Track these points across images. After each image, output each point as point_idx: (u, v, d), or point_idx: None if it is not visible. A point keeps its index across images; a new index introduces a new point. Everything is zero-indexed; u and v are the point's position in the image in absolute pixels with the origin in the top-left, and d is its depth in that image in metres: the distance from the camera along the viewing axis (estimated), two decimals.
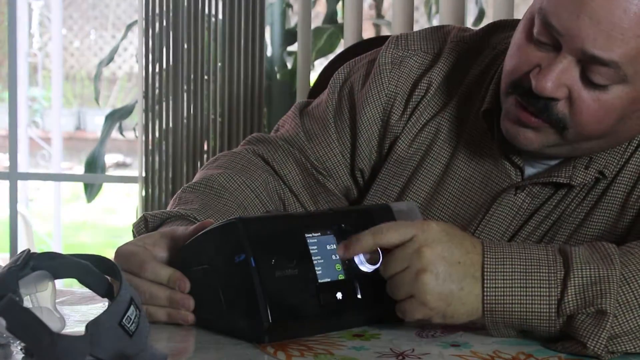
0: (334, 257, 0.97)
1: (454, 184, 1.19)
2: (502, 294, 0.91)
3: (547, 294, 0.91)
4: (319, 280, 0.95)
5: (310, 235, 0.96)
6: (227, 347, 0.91)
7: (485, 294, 0.91)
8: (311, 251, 0.96)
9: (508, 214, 1.14)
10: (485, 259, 0.92)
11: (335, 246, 0.97)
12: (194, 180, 1.23)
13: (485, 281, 0.91)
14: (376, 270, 0.96)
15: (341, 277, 0.96)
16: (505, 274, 0.91)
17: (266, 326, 0.90)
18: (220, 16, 2.86)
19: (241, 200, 1.20)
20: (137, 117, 3.08)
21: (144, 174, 2.94)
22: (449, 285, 0.91)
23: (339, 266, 0.96)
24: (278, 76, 3.16)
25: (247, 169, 1.24)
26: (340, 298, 0.95)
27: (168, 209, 1.16)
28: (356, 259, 0.98)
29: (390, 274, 0.93)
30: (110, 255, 0.95)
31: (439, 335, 0.96)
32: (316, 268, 0.95)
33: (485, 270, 0.92)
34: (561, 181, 1.11)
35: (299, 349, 0.90)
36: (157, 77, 2.89)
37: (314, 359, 0.88)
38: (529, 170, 1.15)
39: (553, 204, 1.13)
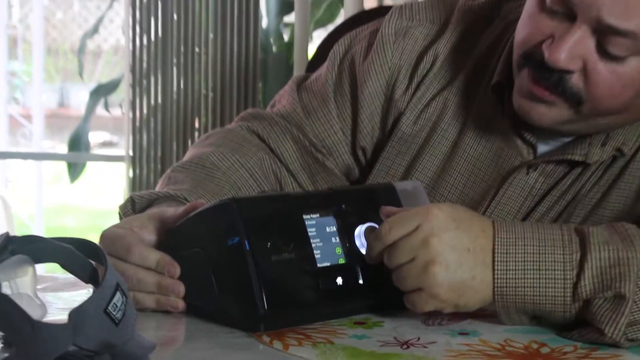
0: (333, 239, 0.95)
1: (463, 163, 1.17)
2: (513, 276, 0.90)
3: (562, 276, 0.89)
4: (318, 265, 0.93)
5: (308, 216, 0.95)
6: (219, 336, 0.90)
7: (495, 277, 0.90)
8: (309, 234, 0.94)
9: (520, 194, 1.13)
10: (496, 242, 0.91)
11: (335, 228, 0.96)
12: (184, 159, 1.22)
13: (496, 264, 0.90)
14: None
15: (341, 261, 0.95)
16: (517, 255, 0.90)
17: (262, 313, 0.89)
18: None
19: (234, 179, 1.18)
20: (123, 93, 3.10)
21: (131, 153, 2.97)
22: (460, 275, 0.89)
23: (339, 249, 0.95)
24: (274, 49, 3.16)
25: (241, 147, 1.23)
26: (341, 283, 0.94)
27: (157, 189, 1.15)
28: (357, 242, 0.96)
29: (395, 265, 0.91)
30: (94, 239, 0.93)
31: (446, 323, 0.94)
32: (315, 252, 0.93)
33: (496, 253, 0.90)
34: (576, 159, 1.09)
35: (296, 338, 0.88)
36: (144, 50, 2.89)
37: (313, 348, 0.86)
38: (542, 148, 1.13)
39: (567, 184, 1.12)
